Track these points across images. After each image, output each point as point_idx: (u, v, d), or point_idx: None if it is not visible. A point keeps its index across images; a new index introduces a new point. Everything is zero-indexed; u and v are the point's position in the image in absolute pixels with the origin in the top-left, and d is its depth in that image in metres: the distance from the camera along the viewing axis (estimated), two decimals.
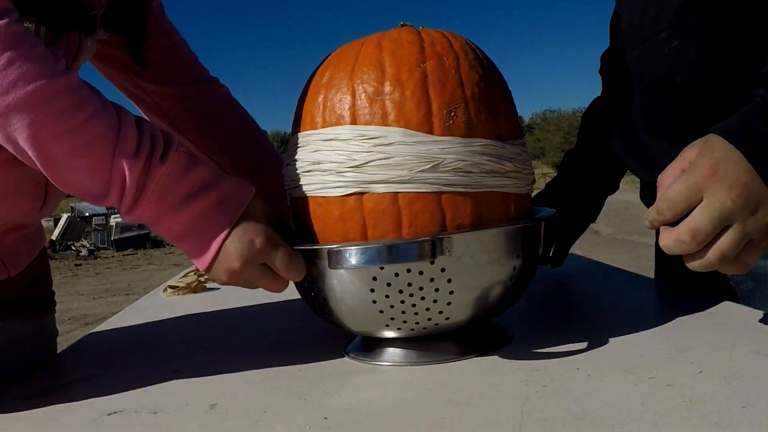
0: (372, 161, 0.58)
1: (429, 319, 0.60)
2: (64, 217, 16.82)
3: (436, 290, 0.59)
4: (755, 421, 0.44)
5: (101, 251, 15.99)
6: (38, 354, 0.80)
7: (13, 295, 0.75)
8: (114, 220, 18.30)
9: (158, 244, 16.51)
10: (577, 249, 1.02)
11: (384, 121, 0.59)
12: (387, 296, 0.59)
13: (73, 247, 15.31)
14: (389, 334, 0.63)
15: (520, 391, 0.53)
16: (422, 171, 0.58)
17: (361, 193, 0.59)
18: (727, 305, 0.72)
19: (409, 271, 0.58)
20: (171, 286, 1.24)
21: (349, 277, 0.60)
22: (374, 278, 0.58)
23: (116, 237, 16.86)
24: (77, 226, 16.28)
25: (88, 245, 15.73)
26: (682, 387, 0.50)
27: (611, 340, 0.64)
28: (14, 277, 0.75)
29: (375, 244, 0.57)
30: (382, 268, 0.58)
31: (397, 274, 0.58)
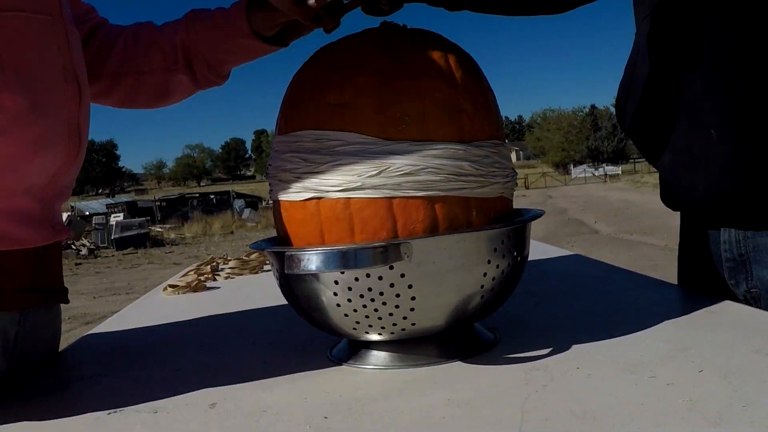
0: (327, 166, 0.58)
1: (394, 324, 0.60)
2: (65, 216, 16.81)
3: (398, 296, 0.58)
4: (755, 420, 0.44)
5: (101, 250, 16.00)
6: (48, 345, 0.79)
7: (21, 284, 0.73)
8: (114, 219, 18.30)
9: (158, 243, 16.52)
10: (577, 248, 1.02)
11: (340, 126, 0.59)
12: (349, 300, 0.59)
13: (73, 246, 15.30)
14: (360, 337, 0.63)
15: (521, 390, 0.53)
16: (371, 176, 0.58)
17: (319, 198, 0.59)
18: (727, 304, 0.72)
19: (368, 276, 0.57)
20: (171, 285, 1.24)
21: (314, 281, 0.60)
22: (336, 282, 0.59)
23: (116, 236, 16.88)
24: (77, 225, 16.28)
25: (88, 244, 15.73)
26: (682, 386, 0.50)
27: (611, 339, 0.64)
28: (36, 263, 0.72)
29: (328, 249, 0.56)
30: (342, 273, 0.58)
31: (357, 279, 0.58)
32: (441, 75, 0.61)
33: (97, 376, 0.70)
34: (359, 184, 0.58)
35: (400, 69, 0.60)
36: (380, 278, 0.57)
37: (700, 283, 0.86)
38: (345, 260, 0.56)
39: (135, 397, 0.60)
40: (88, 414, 0.58)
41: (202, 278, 1.31)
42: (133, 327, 0.95)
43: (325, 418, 0.52)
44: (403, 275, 0.57)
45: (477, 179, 0.60)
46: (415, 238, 0.58)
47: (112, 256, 14.73)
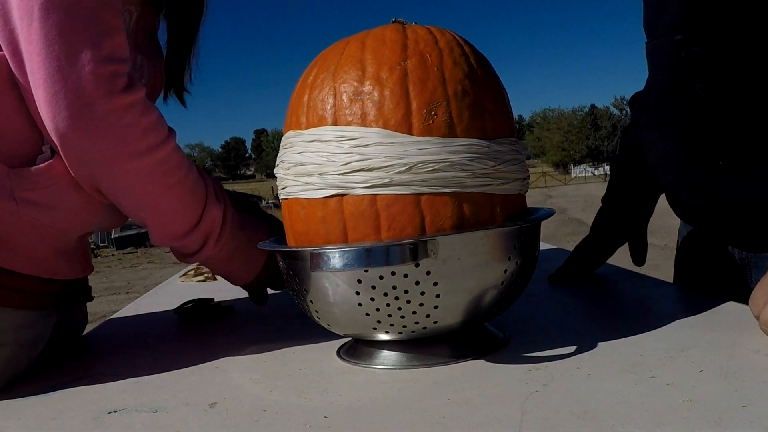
0: (351, 163, 0.58)
1: (417, 323, 0.59)
2: None
3: (422, 293, 0.58)
4: (755, 420, 0.44)
5: (101, 249, 15.99)
6: (72, 338, 0.87)
7: (59, 288, 0.77)
8: None
9: None
10: None
11: (363, 122, 0.59)
12: (372, 299, 0.58)
13: None
14: (377, 337, 0.62)
15: (520, 390, 0.53)
16: (399, 172, 0.57)
17: (342, 195, 0.59)
18: (727, 305, 0.72)
19: (393, 273, 0.57)
20: (184, 275, 1.39)
21: (334, 279, 0.59)
22: (359, 281, 0.58)
23: (116, 235, 16.85)
24: None
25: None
26: (682, 386, 0.50)
27: (611, 339, 0.64)
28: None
29: (356, 247, 0.56)
30: (366, 271, 0.57)
31: (381, 277, 0.57)
32: (464, 71, 0.61)
33: (97, 374, 0.70)
34: (388, 180, 0.57)
35: (423, 64, 0.59)
36: (405, 276, 0.57)
37: (699, 281, 0.86)
38: (373, 257, 0.55)
39: (135, 396, 0.60)
40: (88, 413, 0.58)
41: (201, 278, 1.33)
42: (133, 326, 0.95)
43: (325, 417, 0.52)
44: (428, 272, 0.57)
45: (503, 175, 0.60)
46: (442, 234, 0.57)
47: (112, 255, 14.71)
